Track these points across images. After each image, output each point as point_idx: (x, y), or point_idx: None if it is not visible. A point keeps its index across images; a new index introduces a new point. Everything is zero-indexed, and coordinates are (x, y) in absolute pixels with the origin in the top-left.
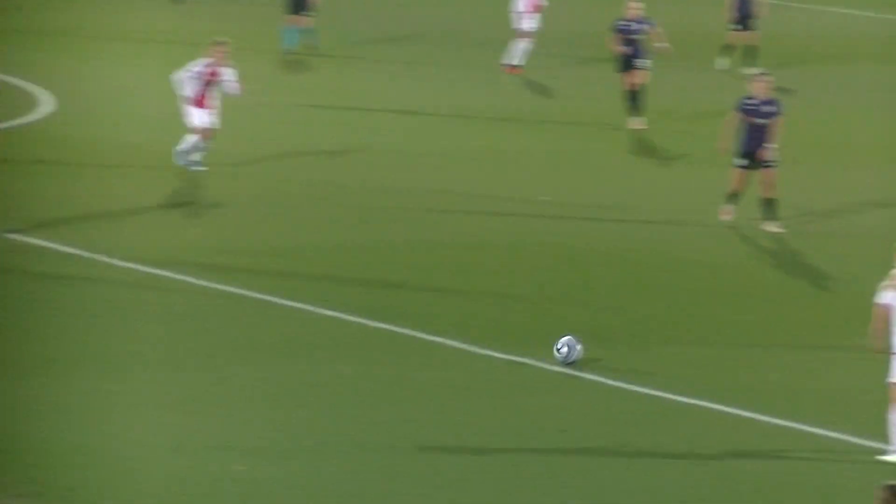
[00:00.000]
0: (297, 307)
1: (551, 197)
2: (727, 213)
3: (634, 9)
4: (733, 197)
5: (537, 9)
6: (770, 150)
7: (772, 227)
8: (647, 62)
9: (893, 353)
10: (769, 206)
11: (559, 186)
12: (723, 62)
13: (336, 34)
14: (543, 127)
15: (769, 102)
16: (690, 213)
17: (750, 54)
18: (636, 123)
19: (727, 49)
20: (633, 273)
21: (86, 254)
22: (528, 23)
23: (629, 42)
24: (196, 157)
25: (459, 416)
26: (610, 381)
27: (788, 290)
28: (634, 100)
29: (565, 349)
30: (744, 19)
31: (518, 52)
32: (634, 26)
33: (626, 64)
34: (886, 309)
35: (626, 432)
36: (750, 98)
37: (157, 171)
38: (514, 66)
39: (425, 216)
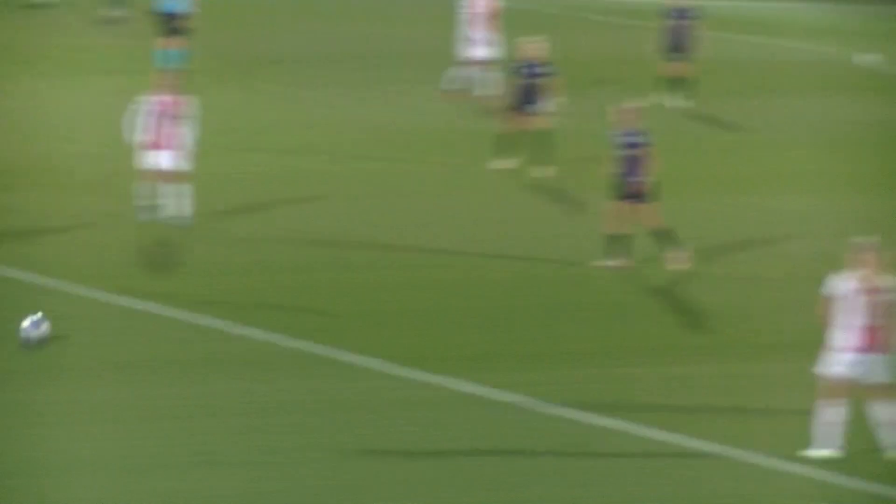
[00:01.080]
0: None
1: None
2: (611, 261)
3: (535, 49)
4: (613, 241)
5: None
6: (642, 183)
7: (674, 263)
8: (544, 107)
9: (827, 346)
10: (660, 239)
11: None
12: (671, 98)
13: None
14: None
15: (638, 133)
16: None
17: (682, 86)
18: (507, 164)
19: (663, 82)
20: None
21: None
22: (483, 49)
23: (526, 85)
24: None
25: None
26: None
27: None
28: (502, 142)
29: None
30: (676, 49)
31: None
32: (536, 69)
33: (518, 106)
34: (830, 299)
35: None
36: (617, 129)
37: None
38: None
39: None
